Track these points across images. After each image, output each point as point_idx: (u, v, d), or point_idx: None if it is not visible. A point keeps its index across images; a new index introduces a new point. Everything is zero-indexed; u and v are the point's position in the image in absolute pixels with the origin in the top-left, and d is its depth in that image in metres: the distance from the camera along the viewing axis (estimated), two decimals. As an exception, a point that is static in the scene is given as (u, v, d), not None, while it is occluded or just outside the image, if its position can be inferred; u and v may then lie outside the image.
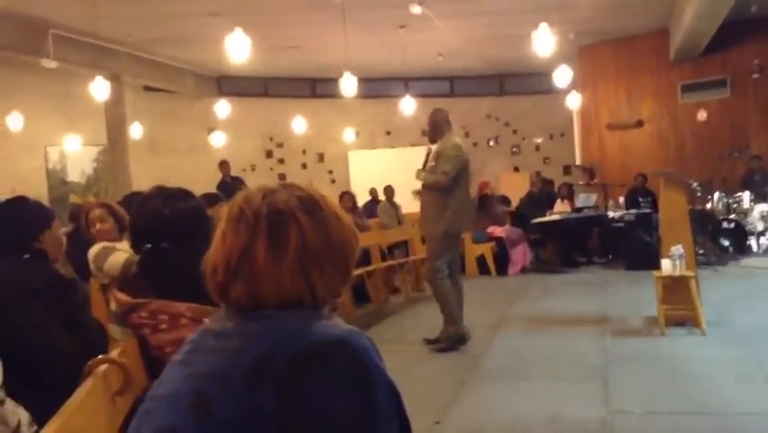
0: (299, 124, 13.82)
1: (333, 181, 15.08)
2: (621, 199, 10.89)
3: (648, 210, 10.12)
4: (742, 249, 9.87)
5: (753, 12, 9.97)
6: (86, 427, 1.47)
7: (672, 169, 9.29)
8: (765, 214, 10.13)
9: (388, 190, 10.88)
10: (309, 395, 1.05)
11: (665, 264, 5.52)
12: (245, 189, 1.22)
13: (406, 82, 14.46)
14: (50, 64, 10.17)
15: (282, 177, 14.68)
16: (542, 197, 11.51)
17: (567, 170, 14.27)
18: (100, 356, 1.74)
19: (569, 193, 11.44)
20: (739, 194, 10.34)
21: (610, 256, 10.42)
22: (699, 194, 8.38)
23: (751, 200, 10.23)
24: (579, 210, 10.80)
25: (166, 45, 11.64)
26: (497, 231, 10.23)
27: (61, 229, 2.99)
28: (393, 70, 13.85)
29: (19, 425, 1.82)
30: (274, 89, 14.91)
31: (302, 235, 1.15)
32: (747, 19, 10.31)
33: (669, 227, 5.85)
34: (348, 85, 10.02)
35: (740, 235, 9.94)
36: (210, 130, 13.99)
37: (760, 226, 10.12)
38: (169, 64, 12.80)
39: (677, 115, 12.11)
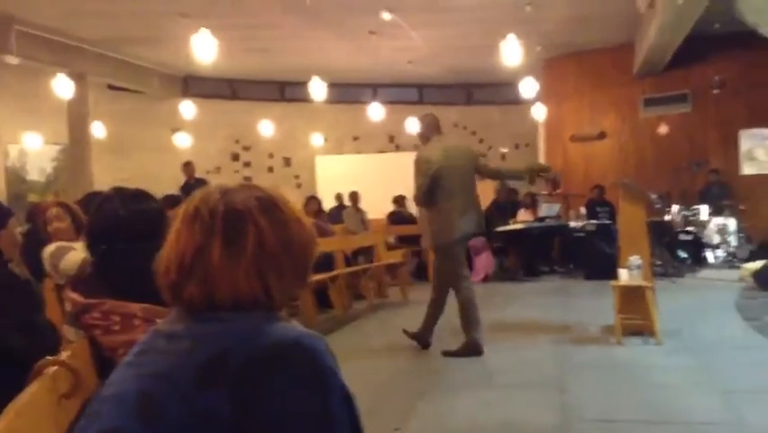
0: (267, 128, 13.75)
1: (300, 186, 15.03)
2: (582, 210, 11.06)
3: (607, 221, 10.29)
4: (699, 261, 10.10)
5: (715, 28, 10.22)
6: (30, 429, 1.44)
7: (633, 180, 9.46)
8: (722, 227, 10.39)
9: (354, 196, 10.89)
10: (262, 398, 1.03)
11: (623, 274, 5.62)
12: (203, 188, 1.21)
13: (375, 88, 14.51)
14: (13, 60, 9.96)
15: (248, 180, 14.57)
16: (506, 205, 11.63)
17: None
18: (49, 358, 1.71)
19: (532, 202, 11.57)
20: (697, 207, 10.58)
21: (571, 265, 10.57)
22: (658, 206, 8.56)
23: (708, 213, 10.48)
24: (542, 220, 10.93)
25: (132, 44, 11.50)
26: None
27: (17, 228, 2.93)
28: (362, 76, 13.90)
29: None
30: (242, 92, 14.82)
31: (259, 236, 1.13)
32: (709, 35, 10.56)
33: (627, 238, 5.95)
34: (317, 89, 10.03)
35: (697, 247, 10.17)
36: (175, 131, 13.83)
37: (716, 239, 10.38)
38: (135, 63, 12.64)
39: (638, 128, 12.36)
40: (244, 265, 1.11)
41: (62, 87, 9.40)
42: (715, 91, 11.57)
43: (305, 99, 11.22)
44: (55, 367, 1.69)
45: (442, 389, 4.64)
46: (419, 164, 5.54)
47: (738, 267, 9.37)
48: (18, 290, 2.40)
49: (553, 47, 11.96)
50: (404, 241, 11.44)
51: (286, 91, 14.85)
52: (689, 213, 10.55)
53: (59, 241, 3.56)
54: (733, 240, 10.46)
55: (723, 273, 9.31)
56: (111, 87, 13.39)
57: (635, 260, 5.59)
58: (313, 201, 9.72)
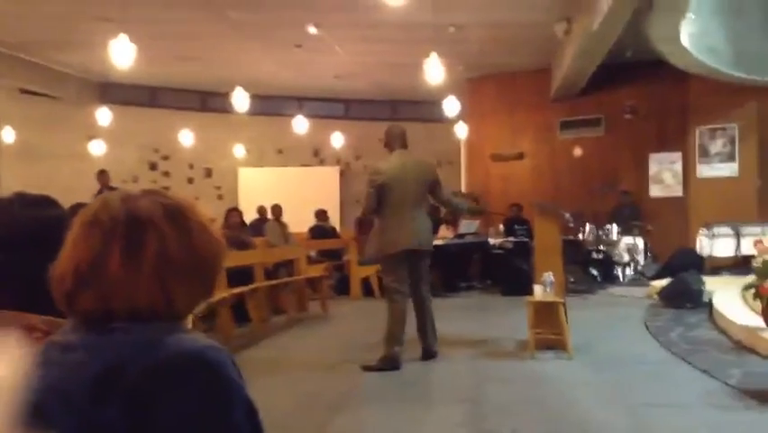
0: (187, 138, 13.48)
1: (221, 197, 14.78)
2: (501, 227, 11.32)
3: (525, 239, 10.56)
4: (609, 278, 10.50)
5: (627, 56, 10.70)
6: None
7: (549, 200, 9.77)
8: (631, 246, 10.84)
9: (276, 209, 10.79)
10: (160, 412, 1.00)
11: (537, 290, 5.78)
12: (104, 194, 1.17)
13: (301, 101, 14.47)
14: None
15: (167, 190, 14.23)
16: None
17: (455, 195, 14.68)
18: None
19: (453, 219, 11.75)
20: (608, 226, 11.01)
21: (489, 282, 10.78)
22: (572, 225, 8.84)
23: (618, 233, 10.92)
24: (461, 236, 11.12)
25: (49, 48, 11.08)
26: (383, 254, 10.33)
27: None
28: (288, 89, 13.84)
29: None
30: (162, 100, 14.48)
31: (162, 244, 1.10)
32: (622, 63, 11.05)
33: (542, 255, 6.14)
34: (240, 100, 9.92)
35: (608, 265, 10.57)
36: (91, 138, 13.37)
37: (626, 258, 10.81)
38: (50, 67, 12.18)
39: (555, 149, 12.78)
40: (145, 274, 1.08)
41: (-31, 88, 8.95)
42: (627, 116, 12.10)
43: (227, 110, 11.07)
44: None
45: (358, 403, 4.64)
46: (371, 174, 5.65)
47: (646, 285, 9.80)
48: None
49: (475, 67, 12.25)
50: (326, 255, 11.40)
51: (208, 101, 14.60)
52: (600, 232, 10.96)
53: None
54: (641, 259, 10.93)
55: (632, 290, 9.70)
56: (23, 92, 12.83)
57: (548, 276, 5.75)
58: (234, 213, 9.56)
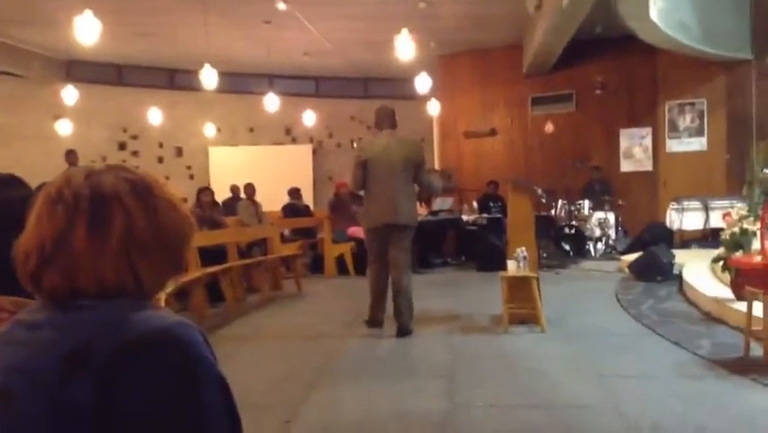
0: (156, 116, 13.26)
1: (192, 177, 14.62)
2: (475, 204, 11.37)
3: (499, 215, 10.63)
4: (581, 253, 10.62)
5: (597, 32, 10.74)
6: None
7: (521, 176, 9.83)
8: (602, 221, 10.97)
9: (249, 188, 10.70)
10: (130, 391, 0.98)
11: (510, 265, 5.83)
12: (68, 170, 1.13)
13: (271, 79, 14.30)
14: None
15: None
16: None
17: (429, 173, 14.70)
18: None
19: (427, 197, 11.77)
20: (580, 202, 11.12)
21: (463, 258, 10.85)
22: (544, 201, 8.90)
23: (590, 208, 11.04)
24: (435, 213, 11.15)
25: (10, 25, 10.78)
26: (357, 231, 10.33)
27: None
28: (257, 66, 13.67)
29: None
30: (129, 77, 14.20)
31: (128, 221, 1.07)
32: (592, 39, 11.10)
33: (515, 230, 6.18)
34: (208, 77, 9.75)
35: (580, 240, 10.69)
36: (57, 117, 13.10)
37: (597, 232, 10.94)
38: (14, 45, 11.87)
39: (527, 125, 12.82)
40: (111, 251, 1.05)
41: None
42: (597, 92, 12.17)
43: (196, 87, 10.89)
44: None
45: (333, 379, 4.65)
46: (356, 151, 6.12)
47: (617, 259, 9.94)
48: None
49: (446, 44, 12.20)
50: (299, 233, 11.36)
51: (176, 78, 14.37)
52: (572, 208, 11.06)
53: None
54: (612, 233, 11.07)
55: (603, 265, 9.84)
56: (-15, 70, 12.52)
57: (521, 252, 5.80)
58: (206, 192, 9.45)
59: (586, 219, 10.94)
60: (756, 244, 5.49)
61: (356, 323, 6.33)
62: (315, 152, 15.47)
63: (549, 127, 12.57)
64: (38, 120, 13.36)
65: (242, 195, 11.02)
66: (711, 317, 5.94)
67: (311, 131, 14.99)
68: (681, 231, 10.18)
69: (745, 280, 5.05)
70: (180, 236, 1.17)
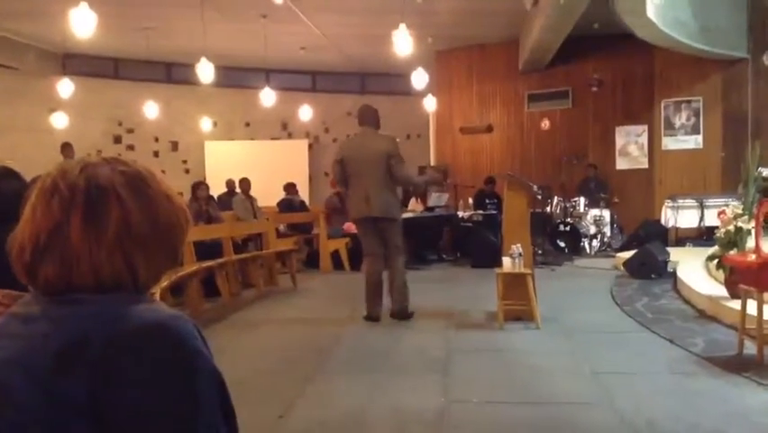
0: (152, 110, 13.21)
1: (188, 171, 14.59)
2: (470, 200, 11.37)
3: (494, 212, 10.64)
4: (576, 250, 10.64)
5: (594, 29, 10.74)
6: None
7: (517, 173, 9.83)
8: (598, 218, 10.99)
9: (245, 183, 10.68)
10: (123, 383, 0.98)
11: (506, 262, 5.83)
12: (63, 162, 1.13)
13: (268, 73, 14.25)
14: None
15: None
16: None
17: (422, 170, 14.67)
18: None
19: (422, 193, 11.78)
20: (575, 199, 11.13)
21: (459, 254, 10.85)
22: (540, 197, 8.91)
23: (585, 205, 11.05)
24: (431, 209, 11.15)
25: (6, 17, 10.73)
26: (352, 227, 10.33)
27: None
28: (254, 60, 13.61)
29: None
30: (125, 71, 14.16)
31: (124, 213, 1.07)
32: (589, 35, 11.09)
33: (511, 227, 6.18)
34: (205, 72, 9.72)
35: (575, 237, 10.70)
36: (52, 110, 13.04)
37: (592, 229, 10.96)
38: (9, 38, 11.82)
39: (523, 122, 12.83)
40: (107, 244, 1.05)
41: None
42: (593, 89, 12.17)
43: (193, 82, 10.86)
44: None
45: (329, 373, 4.65)
46: (336, 150, 6.46)
47: (612, 256, 9.96)
48: None
49: (444, 39, 12.19)
50: (295, 228, 11.36)
51: (173, 72, 14.32)
52: (568, 205, 11.07)
53: None
54: (608, 231, 11.09)
55: (598, 262, 9.86)
56: (-19, 63, 12.46)
57: (517, 248, 5.81)
58: (201, 187, 9.43)
59: (581, 216, 10.96)
60: (751, 243, 5.51)
61: (351, 318, 6.34)
62: (311, 147, 15.45)
63: (545, 124, 12.57)
64: (33, 113, 13.31)
65: (238, 190, 11.01)
66: (705, 314, 5.96)
67: (307, 126, 14.97)
68: (675, 229, 10.20)
69: (740, 279, 5.06)
70: (176, 229, 1.16)
